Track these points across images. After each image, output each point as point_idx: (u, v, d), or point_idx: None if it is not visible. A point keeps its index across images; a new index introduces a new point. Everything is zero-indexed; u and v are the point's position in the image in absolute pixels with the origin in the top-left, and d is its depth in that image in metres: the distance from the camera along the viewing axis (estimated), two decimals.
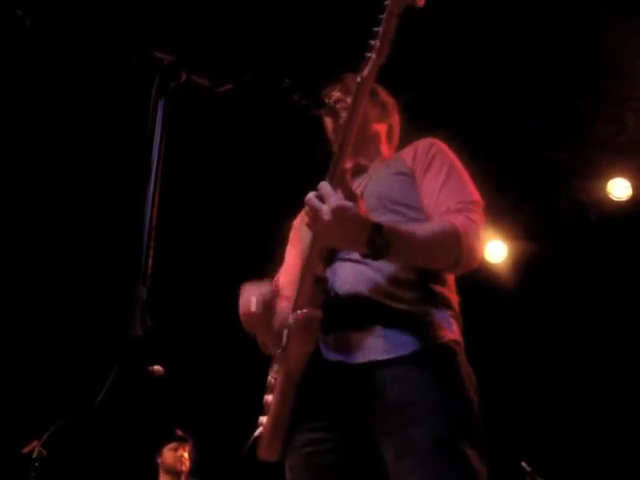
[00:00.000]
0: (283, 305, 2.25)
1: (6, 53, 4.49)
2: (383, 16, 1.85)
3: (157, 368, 3.99)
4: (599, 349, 6.25)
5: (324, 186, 1.87)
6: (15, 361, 5.99)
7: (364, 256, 1.90)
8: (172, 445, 5.63)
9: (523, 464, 4.85)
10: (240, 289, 2.21)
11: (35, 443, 3.94)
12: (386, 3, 1.85)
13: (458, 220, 2.03)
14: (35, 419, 4.18)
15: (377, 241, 1.84)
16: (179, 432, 5.74)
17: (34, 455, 3.89)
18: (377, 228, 1.84)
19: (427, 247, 1.98)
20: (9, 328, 5.95)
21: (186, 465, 5.59)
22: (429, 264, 2.06)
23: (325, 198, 1.84)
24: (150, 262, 1.61)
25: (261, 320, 2.11)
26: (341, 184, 1.88)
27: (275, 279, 2.52)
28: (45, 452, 3.92)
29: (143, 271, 1.59)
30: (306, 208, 1.88)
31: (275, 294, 2.14)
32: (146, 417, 6.22)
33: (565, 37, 4.88)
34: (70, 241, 5.91)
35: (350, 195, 1.86)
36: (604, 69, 4.99)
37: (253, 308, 2.10)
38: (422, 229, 2.00)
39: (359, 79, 1.93)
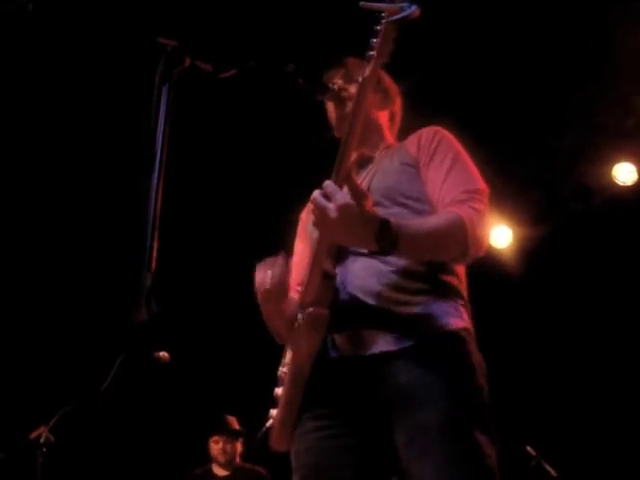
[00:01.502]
0: (295, 296, 2.28)
1: (8, 38, 4.48)
2: (381, 26, 1.83)
3: (163, 354, 3.99)
4: (604, 334, 6.25)
5: (329, 185, 1.86)
6: (22, 348, 6.01)
7: (372, 252, 1.91)
8: (214, 438, 5.65)
9: (528, 448, 4.87)
10: (250, 270, 2.22)
11: (42, 429, 3.95)
12: (382, 15, 1.83)
13: (463, 211, 2.04)
14: (42, 405, 4.19)
15: (385, 237, 1.84)
16: (229, 421, 5.73)
17: (41, 441, 3.91)
18: (384, 224, 1.85)
19: (434, 240, 1.99)
20: (16, 315, 5.97)
21: (229, 455, 5.60)
22: (436, 256, 2.08)
23: (331, 196, 1.84)
24: (155, 248, 1.61)
25: (276, 298, 2.13)
26: (347, 181, 1.87)
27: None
28: (52, 438, 3.94)
29: (148, 257, 1.59)
30: (312, 206, 1.88)
31: (289, 270, 2.14)
32: (152, 403, 6.24)
33: (571, 21, 4.85)
34: (75, 228, 5.92)
35: (357, 192, 1.85)
36: (610, 53, 4.97)
37: (268, 285, 2.11)
38: (428, 223, 2.01)
39: (360, 79, 1.93)
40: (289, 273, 2.14)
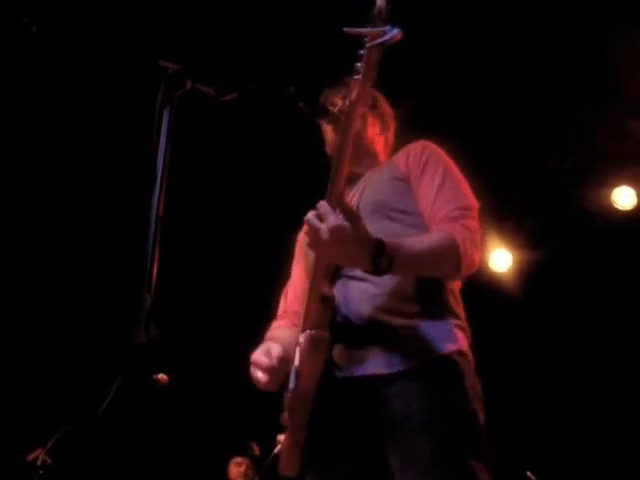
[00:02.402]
0: (294, 322, 2.32)
1: (13, 60, 4.50)
2: (364, 50, 1.84)
3: (161, 376, 3.98)
4: (604, 357, 6.23)
5: (323, 206, 1.87)
6: (19, 369, 5.98)
7: (367, 272, 1.92)
8: (237, 460, 5.59)
9: (528, 473, 4.85)
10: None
11: (39, 451, 3.94)
12: (365, 40, 1.84)
13: (455, 230, 2.06)
14: (39, 427, 4.17)
15: (380, 258, 1.86)
16: (254, 448, 5.66)
17: (38, 463, 3.89)
18: (379, 245, 1.86)
19: (427, 260, 2.00)
20: (13, 335, 5.95)
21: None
22: (429, 274, 2.10)
23: (324, 218, 1.85)
24: (154, 270, 1.61)
25: (270, 387, 2.16)
26: (339, 203, 1.88)
27: (284, 292, 2.57)
28: (49, 460, 3.92)
29: (147, 279, 1.59)
30: (306, 228, 1.89)
31: (283, 361, 2.14)
32: (150, 426, 6.21)
33: (568, 45, 4.88)
34: (74, 249, 5.92)
35: (349, 213, 1.86)
36: (608, 76, 4.99)
37: (263, 380, 2.14)
38: (422, 242, 2.02)
39: (348, 102, 1.94)
40: (284, 365, 2.14)
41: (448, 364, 2.05)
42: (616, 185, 5.92)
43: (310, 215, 1.88)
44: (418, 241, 2.02)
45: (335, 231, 1.82)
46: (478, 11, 4.65)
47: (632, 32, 4.60)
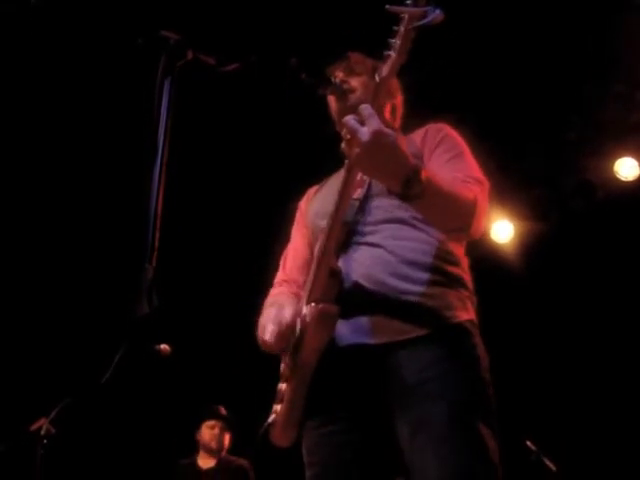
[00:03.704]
0: (294, 291, 2.30)
1: (12, 32, 4.47)
2: (402, 27, 1.80)
3: (164, 347, 4.00)
4: (605, 330, 6.25)
5: (366, 108, 1.79)
6: (23, 340, 6.01)
7: (392, 192, 1.87)
8: (210, 423, 5.65)
9: (528, 443, 4.88)
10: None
11: (43, 421, 3.96)
12: (402, 16, 1.80)
13: (474, 188, 2.05)
14: (43, 397, 4.20)
15: (414, 181, 1.81)
16: (221, 410, 5.75)
17: (42, 433, 3.91)
18: (417, 171, 1.81)
19: (450, 202, 1.97)
20: (17, 308, 5.97)
21: (222, 444, 5.61)
22: (444, 220, 2.05)
23: (367, 120, 1.77)
24: (156, 241, 1.61)
25: (275, 349, 2.15)
26: (379, 116, 1.80)
27: (282, 260, 2.55)
28: (53, 430, 3.94)
29: (150, 251, 1.59)
30: (343, 130, 1.82)
31: (291, 327, 2.12)
32: (153, 396, 6.25)
33: (573, 18, 4.84)
34: (76, 222, 5.92)
35: (390, 126, 1.80)
36: (612, 49, 4.96)
37: (267, 337, 2.12)
38: (449, 185, 1.98)
39: (378, 78, 1.89)
40: (292, 330, 2.12)
41: (462, 332, 2.06)
42: (619, 156, 5.90)
43: (349, 117, 1.80)
44: (445, 182, 1.97)
45: (377, 134, 1.75)
46: None
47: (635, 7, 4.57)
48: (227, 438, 5.66)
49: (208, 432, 5.61)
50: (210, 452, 5.58)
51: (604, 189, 6.05)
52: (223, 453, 5.62)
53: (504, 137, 5.59)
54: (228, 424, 5.68)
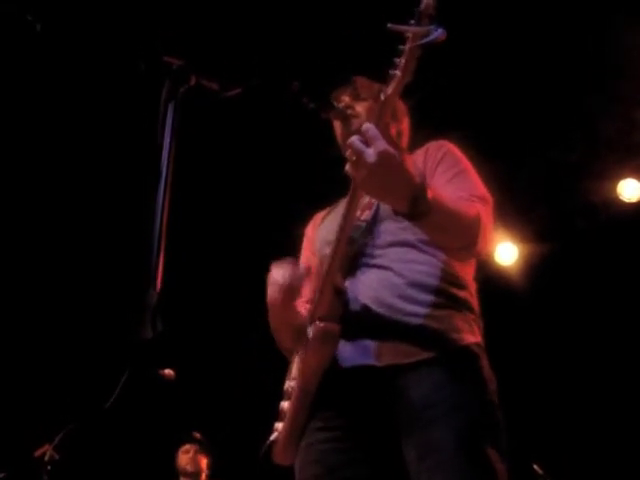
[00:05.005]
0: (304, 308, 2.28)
1: (17, 58, 4.51)
2: (407, 47, 1.80)
3: (168, 372, 3.99)
4: (611, 351, 6.22)
5: (370, 129, 1.78)
6: (27, 365, 6.01)
7: (398, 213, 1.87)
8: (185, 447, 5.65)
9: (535, 467, 4.84)
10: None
11: (47, 447, 3.95)
12: (407, 35, 1.80)
13: (478, 206, 2.05)
14: (47, 423, 4.19)
15: (421, 200, 1.81)
16: (196, 435, 5.75)
17: (46, 459, 3.90)
18: (422, 187, 1.81)
19: (454, 220, 1.96)
20: (21, 331, 5.97)
21: (198, 467, 5.59)
22: (449, 239, 2.04)
23: (371, 141, 1.76)
24: (161, 266, 1.61)
25: (287, 297, 2.14)
26: (384, 135, 1.79)
27: None
28: (57, 456, 3.93)
29: (154, 275, 1.59)
30: (348, 152, 1.81)
31: (303, 276, 2.14)
32: (157, 421, 6.23)
33: (574, 36, 4.86)
34: (81, 245, 5.93)
35: (394, 146, 1.77)
36: (614, 68, 4.97)
37: (281, 281, 2.12)
38: (453, 203, 1.98)
39: (383, 97, 1.88)
40: (302, 277, 2.13)
41: (468, 355, 2.05)
42: (622, 178, 5.90)
43: (354, 138, 1.79)
44: (450, 200, 1.97)
45: (383, 155, 1.74)
46: (484, 3, 4.64)
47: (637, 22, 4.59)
48: (204, 461, 5.65)
49: (184, 457, 5.62)
50: (188, 476, 5.56)
51: (607, 211, 6.04)
52: (203, 476, 5.60)
53: (506, 159, 5.59)
54: (203, 447, 5.68)
